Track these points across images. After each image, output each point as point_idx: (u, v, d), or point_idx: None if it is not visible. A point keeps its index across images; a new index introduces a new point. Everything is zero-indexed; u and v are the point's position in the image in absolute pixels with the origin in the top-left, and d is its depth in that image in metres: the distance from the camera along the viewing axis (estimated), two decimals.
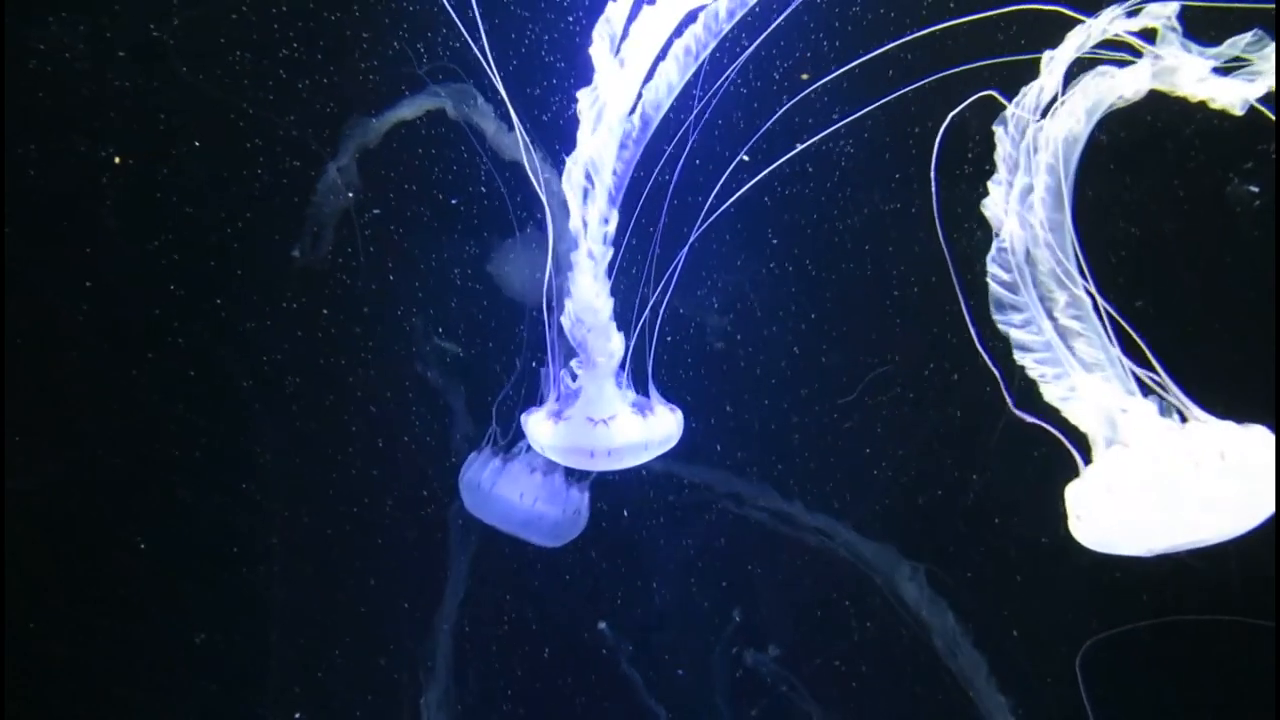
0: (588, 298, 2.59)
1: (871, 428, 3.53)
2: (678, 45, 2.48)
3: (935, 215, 2.62)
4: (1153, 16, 2.17)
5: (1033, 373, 2.32)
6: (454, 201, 3.38)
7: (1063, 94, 2.31)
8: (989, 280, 2.33)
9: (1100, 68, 2.29)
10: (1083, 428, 2.27)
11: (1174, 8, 2.16)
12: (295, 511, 3.65)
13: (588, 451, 2.72)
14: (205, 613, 3.67)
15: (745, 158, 2.94)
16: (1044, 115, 2.33)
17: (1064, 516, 2.33)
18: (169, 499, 3.57)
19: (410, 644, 3.80)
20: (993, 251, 2.33)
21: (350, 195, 3.33)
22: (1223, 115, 2.20)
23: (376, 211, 3.40)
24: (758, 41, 2.78)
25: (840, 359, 3.50)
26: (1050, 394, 2.30)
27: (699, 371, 3.51)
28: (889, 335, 3.45)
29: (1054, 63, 2.30)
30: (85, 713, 3.66)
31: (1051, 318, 2.28)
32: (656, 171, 2.76)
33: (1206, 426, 2.13)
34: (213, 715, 3.72)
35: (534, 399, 2.92)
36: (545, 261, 2.63)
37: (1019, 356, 2.33)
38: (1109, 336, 2.25)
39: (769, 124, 2.94)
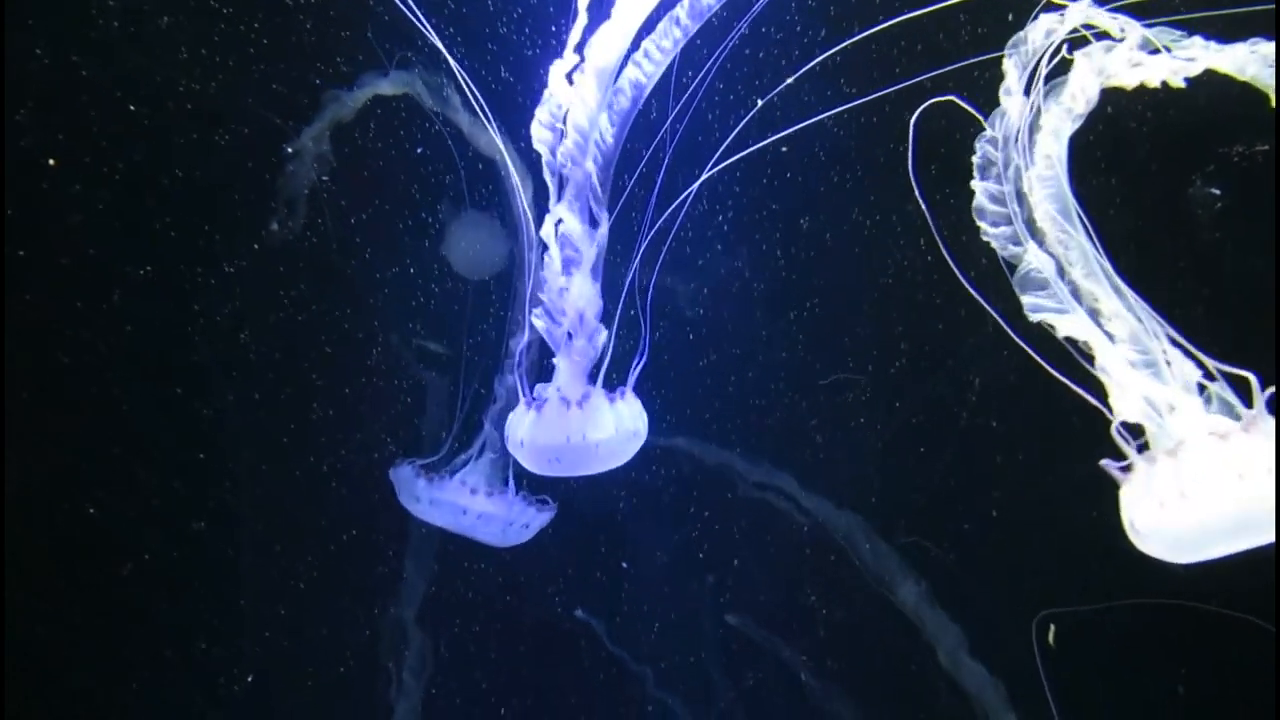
0: (569, 302, 2.57)
1: (857, 409, 3.58)
2: (641, 50, 2.47)
3: (922, 204, 2.65)
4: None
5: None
6: (419, 151, 3.38)
7: (1032, 100, 2.34)
8: (1023, 302, 2.35)
9: (1046, 102, 2.34)
10: (1130, 419, 2.27)
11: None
12: (259, 473, 3.67)
13: (563, 439, 2.66)
14: (165, 575, 3.67)
15: (759, 101, 2.97)
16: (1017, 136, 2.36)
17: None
18: (127, 468, 3.58)
19: (378, 613, 3.84)
20: (1020, 276, 2.35)
21: (315, 165, 3.34)
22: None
23: (347, 183, 3.42)
24: (741, 26, 2.81)
25: (826, 341, 3.55)
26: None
27: (679, 349, 3.55)
28: (883, 318, 3.51)
29: (1009, 94, 2.35)
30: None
31: (1096, 321, 2.30)
32: (641, 166, 2.78)
33: (1253, 431, 2.10)
34: (170, 677, 3.73)
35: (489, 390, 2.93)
36: (492, 236, 2.61)
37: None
38: (1152, 334, 2.27)
39: (754, 112, 2.96)
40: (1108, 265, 2.31)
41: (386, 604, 3.82)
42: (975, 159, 2.38)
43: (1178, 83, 2.22)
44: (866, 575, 3.65)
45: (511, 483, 3.31)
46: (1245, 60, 2.17)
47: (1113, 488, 2.32)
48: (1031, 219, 2.34)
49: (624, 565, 3.83)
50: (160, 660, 3.71)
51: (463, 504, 3.26)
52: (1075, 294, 2.31)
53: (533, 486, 3.37)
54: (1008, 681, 3.55)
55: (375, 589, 3.81)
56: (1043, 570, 3.49)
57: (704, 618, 3.86)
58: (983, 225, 2.37)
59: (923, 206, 2.60)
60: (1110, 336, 2.28)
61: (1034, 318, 2.33)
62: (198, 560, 3.68)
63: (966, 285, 2.50)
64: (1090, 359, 2.30)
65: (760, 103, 2.96)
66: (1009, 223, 2.34)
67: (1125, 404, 2.26)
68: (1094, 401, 2.28)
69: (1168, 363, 2.24)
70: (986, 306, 2.45)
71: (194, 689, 3.75)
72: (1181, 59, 2.20)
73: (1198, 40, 2.20)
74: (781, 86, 2.94)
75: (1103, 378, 2.28)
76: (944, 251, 2.57)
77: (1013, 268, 2.37)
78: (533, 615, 3.88)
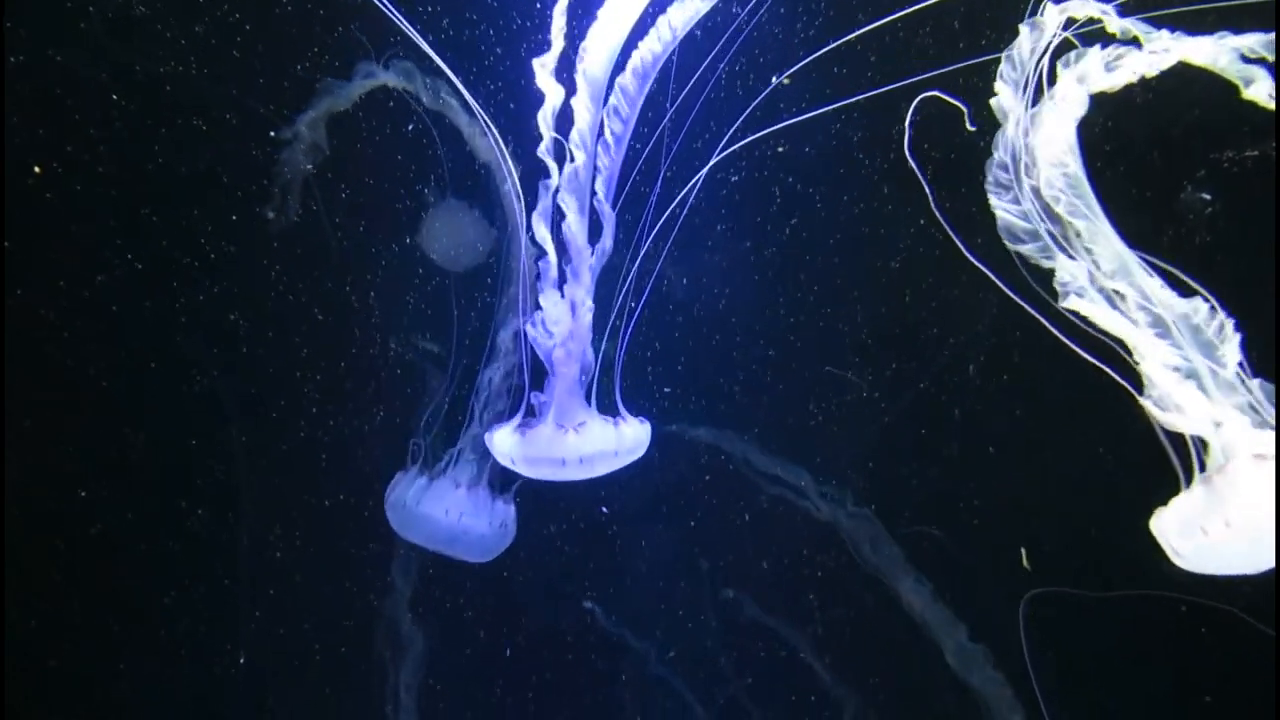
0: (558, 312, 2.57)
1: (859, 398, 3.58)
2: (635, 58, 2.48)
3: (928, 192, 2.67)
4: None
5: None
6: (409, 128, 3.36)
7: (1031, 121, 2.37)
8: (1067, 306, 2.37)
9: (1039, 116, 2.37)
10: (1178, 429, 2.30)
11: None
12: (250, 450, 3.67)
13: (558, 460, 2.66)
14: (158, 559, 3.70)
15: (777, 80, 2.99)
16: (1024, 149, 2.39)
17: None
18: (118, 453, 3.61)
19: (378, 588, 3.83)
20: (1057, 283, 2.36)
21: (307, 154, 3.33)
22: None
23: (338, 167, 3.41)
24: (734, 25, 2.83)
25: (829, 328, 3.54)
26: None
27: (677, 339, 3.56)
28: (888, 305, 3.51)
29: (1004, 112, 2.38)
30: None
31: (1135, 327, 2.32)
32: (641, 160, 2.79)
33: None
34: (165, 661, 3.76)
35: (475, 395, 2.95)
36: (474, 227, 2.59)
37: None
38: (1199, 350, 2.29)
39: (766, 93, 2.97)
40: (1143, 268, 2.33)
41: (381, 584, 3.82)
42: (987, 183, 2.40)
43: (1153, 73, 2.26)
44: (868, 567, 3.67)
45: (485, 483, 3.29)
46: (1216, 52, 2.21)
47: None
48: (1062, 233, 2.36)
49: (603, 510, 3.80)
50: (155, 644, 3.75)
51: (448, 503, 3.22)
52: (1110, 300, 2.33)
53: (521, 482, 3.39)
54: (1011, 676, 3.56)
55: (369, 567, 3.81)
56: (1047, 564, 3.48)
57: (705, 600, 3.87)
58: (1011, 245, 2.39)
59: (928, 194, 2.62)
60: (1147, 341, 2.29)
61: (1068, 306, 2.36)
62: (190, 542, 3.70)
63: (982, 268, 2.52)
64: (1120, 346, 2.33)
65: (775, 81, 2.97)
66: (1037, 238, 2.36)
67: (1170, 415, 2.27)
68: (1121, 381, 2.31)
69: (1211, 371, 2.25)
70: (1000, 286, 2.46)
71: (189, 672, 3.79)
72: (1157, 51, 2.22)
73: (1165, 34, 2.25)
74: (795, 68, 2.96)
75: (1146, 405, 2.31)
76: (953, 236, 2.59)
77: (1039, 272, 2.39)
78: (531, 598, 3.89)
